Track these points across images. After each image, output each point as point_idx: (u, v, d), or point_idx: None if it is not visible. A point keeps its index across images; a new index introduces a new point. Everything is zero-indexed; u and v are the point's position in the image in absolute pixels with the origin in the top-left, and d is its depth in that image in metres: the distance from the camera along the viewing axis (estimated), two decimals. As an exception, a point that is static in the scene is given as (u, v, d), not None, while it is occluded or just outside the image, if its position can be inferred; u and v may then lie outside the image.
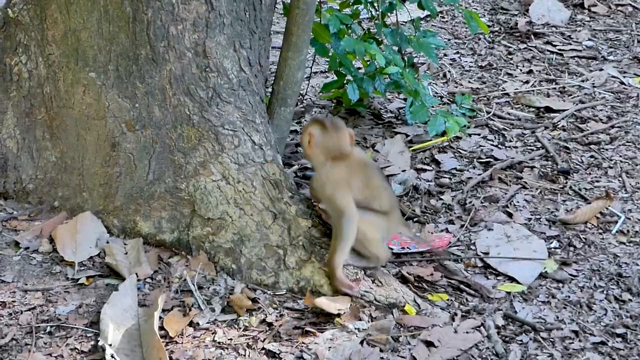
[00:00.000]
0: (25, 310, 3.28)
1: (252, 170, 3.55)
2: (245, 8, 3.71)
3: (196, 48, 3.59)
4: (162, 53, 3.56)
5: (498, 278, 3.57)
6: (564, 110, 5.07)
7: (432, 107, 4.64)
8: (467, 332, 3.18)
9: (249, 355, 3.07)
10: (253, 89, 3.74)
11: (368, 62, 4.66)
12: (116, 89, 3.62)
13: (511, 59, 5.94)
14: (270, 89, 4.04)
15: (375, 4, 4.57)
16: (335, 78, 4.84)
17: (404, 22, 4.79)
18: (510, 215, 4.00)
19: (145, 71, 3.58)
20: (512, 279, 3.55)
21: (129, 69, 3.59)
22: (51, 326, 3.20)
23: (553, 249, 3.76)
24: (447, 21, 6.60)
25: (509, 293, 3.46)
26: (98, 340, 3.08)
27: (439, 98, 5.12)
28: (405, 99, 4.83)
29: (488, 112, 5.02)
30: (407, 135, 4.70)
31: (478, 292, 3.45)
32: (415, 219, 3.98)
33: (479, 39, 6.24)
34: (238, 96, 3.65)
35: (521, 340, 3.16)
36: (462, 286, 3.49)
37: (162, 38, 3.55)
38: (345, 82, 4.73)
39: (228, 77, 3.63)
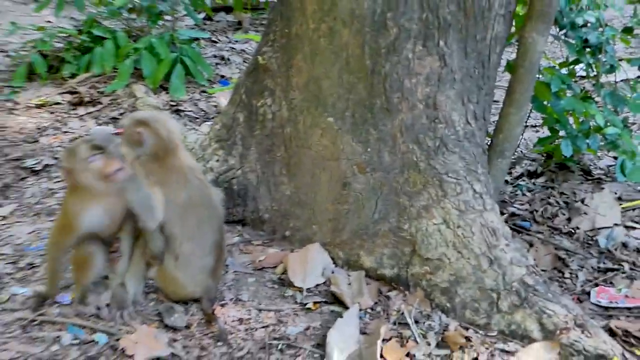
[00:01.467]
0: (259, 328, 3.47)
1: (471, 217, 3.62)
2: (475, 65, 3.80)
3: (427, 100, 3.70)
4: (395, 103, 3.70)
5: None
6: None
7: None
8: (675, 390, 3.15)
9: (461, 389, 3.16)
10: (477, 141, 3.82)
11: (581, 121, 4.65)
12: (351, 134, 3.79)
13: None
14: (489, 142, 4.10)
15: (593, 66, 4.54)
16: (548, 133, 4.83)
17: (617, 81, 4.74)
18: None
19: (379, 119, 3.74)
20: None
21: (364, 116, 3.75)
22: (282, 344, 3.37)
23: None
24: (658, 82, 6.46)
25: None
26: (324, 361, 3.25)
27: (650, 159, 5.03)
28: (615, 157, 4.77)
29: (699, 175, 4.88)
30: (616, 193, 4.64)
31: (686, 351, 3.40)
32: (624, 275, 3.94)
33: (692, 102, 6.07)
34: (463, 147, 3.74)
35: None
36: (670, 344, 3.45)
37: (397, 90, 3.69)
38: (557, 138, 4.72)
39: (455, 129, 3.74)
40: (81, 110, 5.81)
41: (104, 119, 5.68)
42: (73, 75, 6.30)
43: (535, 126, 5.53)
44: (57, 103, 5.95)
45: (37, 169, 4.95)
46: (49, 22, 7.21)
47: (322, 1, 3.72)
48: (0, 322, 3.51)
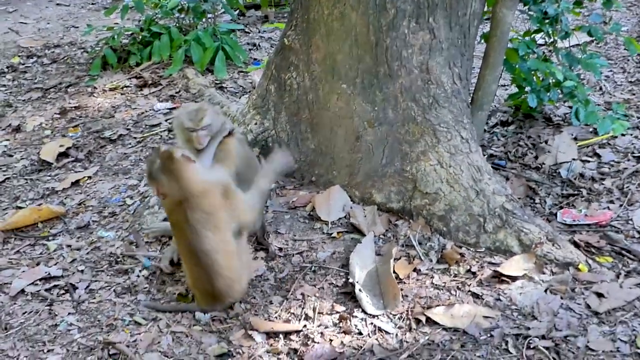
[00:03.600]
0: (295, 254, 3.43)
1: (460, 158, 3.54)
2: (458, 36, 3.68)
3: (421, 66, 3.61)
4: (395, 70, 3.61)
5: (653, 247, 3.40)
6: (703, 116, 4.71)
7: (598, 112, 4.42)
8: (630, 288, 3.06)
9: (458, 296, 3.10)
10: (462, 97, 3.72)
11: (542, 79, 4.51)
12: (361, 97, 3.70)
13: (656, 75, 5.58)
14: (470, 98, 3.99)
15: (551, 33, 4.40)
16: (517, 90, 4.71)
17: (571, 46, 4.59)
18: (660, 198, 3.79)
19: (383, 83, 3.64)
20: (665, 249, 3.37)
21: (371, 81, 3.66)
22: (314, 266, 3.34)
23: (700, 225, 3.53)
24: (600, 46, 6.27)
25: (663, 259, 3.29)
26: (348, 278, 3.19)
27: (598, 106, 4.88)
28: (570, 107, 4.64)
29: (638, 118, 4.74)
30: (572, 134, 4.52)
31: (637, 256, 3.29)
32: (583, 198, 3.83)
33: (628, 60, 5.89)
34: (451, 102, 3.64)
35: (676, 296, 3.01)
36: (623, 252, 3.33)
37: (397, 59, 3.60)
38: (524, 93, 4.59)
39: (444, 88, 3.64)
40: (145, 91, 5.77)
41: (164, 97, 5.61)
42: (138, 64, 6.26)
43: (505, 85, 5.37)
44: (126, 86, 5.91)
45: (113, 138, 4.89)
46: (117, 23, 7.10)
47: (333, -9, 3.61)
48: (91, 259, 3.47)
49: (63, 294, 3.23)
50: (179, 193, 2.80)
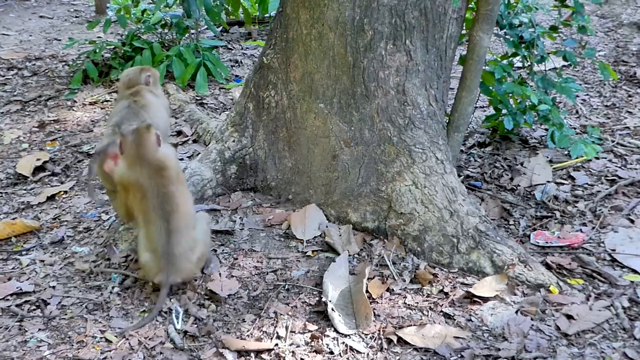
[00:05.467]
0: (270, 272, 3.43)
1: (435, 179, 3.56)
2: (434, 59, 3.71)
3: (398, 87, 3.63)
4: (372, 91, 3.63)
5: (623, 270, 3.40)
6: (676, 141, 4.80)
7: (572, 136, 4.49)
8: (599, 310, 3.07)
9: (430, 316, 3.10)
10: (438, 119, 3.74)
11: (519, 101, 4.57)
12: (338, 116, 3.72)
13: (631, 100, 5.65)
14: (447, 119, 4.02)
15: (528, 58, 4.47)
16: (494, 112, 4.76)
17: (547, 70, 4.65)
18: (632, 221, 3.81)
19: (360, 104, 3.66)
20: (634, 271, 3.38)
21: (348, 101, 3.68)
22: (289, 284, 3.33)
23: (669, 250, 3.57)
24: (578, 70, 6.37)
25: (632, 282, 3.30)
26: (321, 297, 3.18)
27: (574, 129, 4.95)
28: (546, 129, 4.69)
29: (613, 141, 4.81)
30: (548, 157, 4.57)
31: (607, 279, 3.32)
32: (556, 220, 3.87)
33: (604, 85, 5.98)
34: (427, 124, 3.67)
35: (644, 320, 3.04)
36: (594, 274, 3.36)
37: (373, 80, 3.62)
38: (500, 115, 4.65)
39: (420, 110, 3.66)
40: (126, 106, 5.74)
41: (144, 112, 5.59)
42: (119, 79, 6.24)
43: (483, 107, 5.43)
44: (107, 101, 5.90)
45: (91, 152, 4.86)
46: (99, 37, 7.13)
47: (312, 11, 3.64)
48: (64, 275, 3.45)
49: (34, 309, 3.20)
50: (144, 157, 3.08)
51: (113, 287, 3.31)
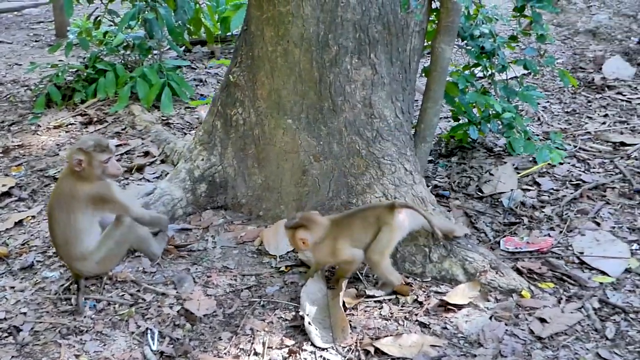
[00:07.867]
0: (244, 289, 3.42)
1: (405, 190, 3.60)
2: (399, 72, 3.77)
3: (364, 101, 3.67)
4: (339, 105, 3.67)
5: (592, 272, 3.48)
6: (635, 144, 4.89)
7: (536, 142, 4.56)
8: (571, 312, 3.13)
9: (406, 325, 3.12)
10: (405, 131, 3.79)
11: (482, 110, 4.63)
12: (306, 131, 3.74)
13: (590, 105, 5.77)
14: (413, 130, 4.07)
15: (489, 67, 4.54)
16: (457, 123, 4.82)
17: (508, 79, 4.72)
18: (598, 224, 3.89)
19: (327, 118, 3.69)
20: (603, 273, 3.46)
21: (316, 116, 3.71)
22: (264, 300, 3.32)
23: (634, 251, 3.64)
24: (538, 78, 6.49)
25: (601, 283, 3.37)
26: (297, 312, 3.18)
27: (537, 136, 5.03)
28: (508, 137, 4.76)
29: (575, 146, 4.90)
30: (514, 164, 4.64)
31: (577, 282, 3.39)
32: (524, 226, 3.93)
33: (564, 91, 6.10)
34: (394, 136, 3.71)
35: (614, 320, 3.10)
36: (564, 277, 3.42)
37: (340, 94, 3.66)
38: (466, 125, 4.70)
39: (387, 122, 3.70)
40: (91, 128, 5.72)
41: (110, 134, 5.56)
42: (83, 101, 6.21)
43: (448, 118, 5.50)
44: (71, 124, 5.84)
45: (57, 176, 4.79)
46: (61, 60, 7.04)
47: (277, 29, 3.67)
48: (35, 300, 3.40)
49: (6, 336, 3.15)
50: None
51: (87, 312, 3.27)
